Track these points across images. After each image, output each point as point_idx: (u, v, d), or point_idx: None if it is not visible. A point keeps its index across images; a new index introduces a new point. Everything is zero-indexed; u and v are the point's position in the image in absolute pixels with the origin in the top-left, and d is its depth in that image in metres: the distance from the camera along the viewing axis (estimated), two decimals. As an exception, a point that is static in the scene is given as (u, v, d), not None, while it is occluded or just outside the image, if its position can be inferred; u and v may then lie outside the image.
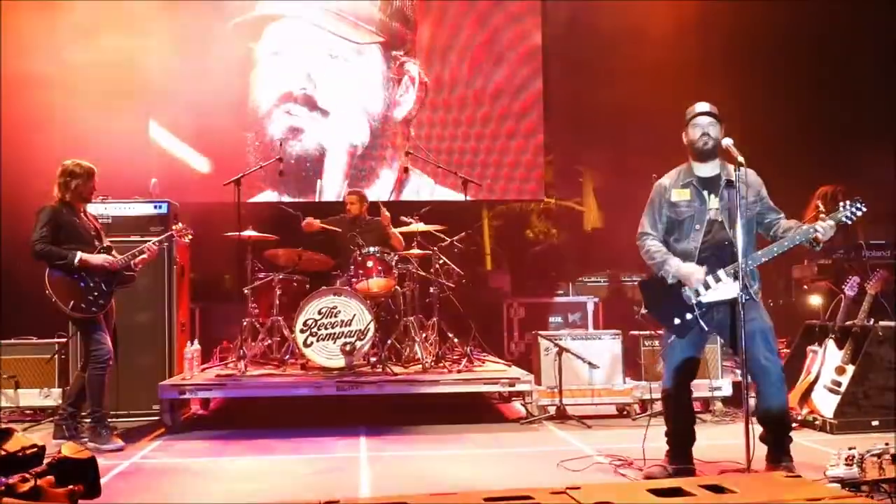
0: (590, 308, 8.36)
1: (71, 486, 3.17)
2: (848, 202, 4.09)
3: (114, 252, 5.50)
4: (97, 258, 5.35)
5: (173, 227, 5.94)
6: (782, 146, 8.03)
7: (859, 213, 4.07)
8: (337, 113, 9.21)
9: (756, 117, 7.64)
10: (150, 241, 5.74)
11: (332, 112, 9.19)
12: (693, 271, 4.17)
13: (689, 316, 4.18)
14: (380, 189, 9.17)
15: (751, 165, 4.26)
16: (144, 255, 5.57)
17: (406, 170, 7.20)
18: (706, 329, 4.22)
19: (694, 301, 4.17)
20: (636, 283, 8.89)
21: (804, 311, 7.23)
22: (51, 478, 3.16)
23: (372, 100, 9.30)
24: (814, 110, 8.15)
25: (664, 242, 4.35)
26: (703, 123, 4.23)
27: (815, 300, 7.01)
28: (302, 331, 6.40)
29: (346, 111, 9.24)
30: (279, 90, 9.16)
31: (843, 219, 4.09)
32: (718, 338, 5.80)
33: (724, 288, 4.14)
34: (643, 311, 4.36)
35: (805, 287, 7.35)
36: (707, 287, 4.15)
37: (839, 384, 5.64)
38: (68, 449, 3.42)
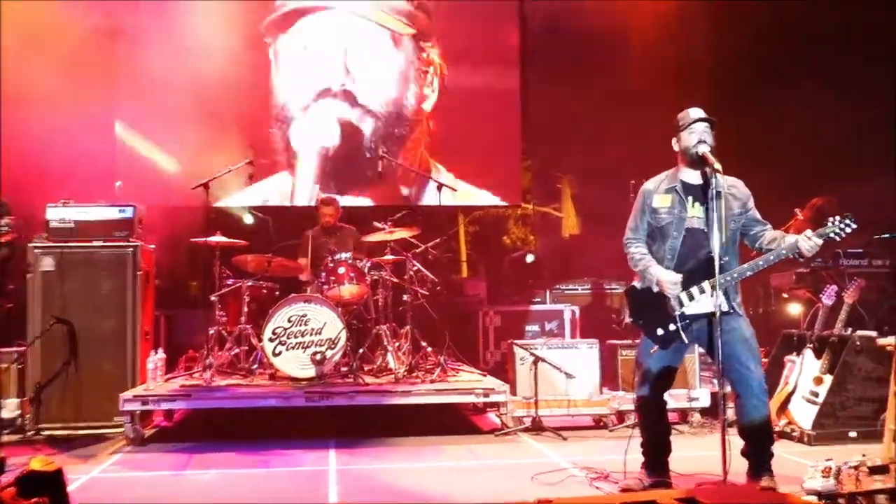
0: (567, 316, 8.37)
1: (36, 499, 3.13)
2: (838, 218, 4.05)
3: None
4: None
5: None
6: (764, 152, 8.11)
7: (848, 231, 4.02)
8: (374, 106, 9.17)
9: (741, 121, 7.72)
10: None
11: (370, 106, 9.15)
12: (668, 278, 4.18)
13: (672, 327, 4.19)
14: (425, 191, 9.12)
15: (729, 173, 4.27)
16: None
17: (380, 175, 7.15)
18: (686, 342, 4.23)
19: (678, 312, 4.17)
20: (615, 291, 8.93)
21: (782, 320, 7.29)
22: (13, 489, 3.12)
23: (408, 93, 9.29)
24: (797, 115, 8.23)
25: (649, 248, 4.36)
26: (699, 129, 4.21)
27: (794, 309, 7.07)
28: (271, 339, 6.36)
29: (382, 104, 9.18)
30: (314, 87, 9.10)
31: (832, 235, 4.06)
32: (697, 347, 5.85)
33: (708, 300, 4.14)
34: (627, 319, 4.37)
35: (783, 295, 7.42)
36: (691, 298, 4.16)
37: (817, 395, 5.68)
38: (37, 462, 3.38)
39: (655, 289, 4.21)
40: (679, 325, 4.18)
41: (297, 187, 9.17)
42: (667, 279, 4.18)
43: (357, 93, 9.14)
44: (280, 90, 9.21)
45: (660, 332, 4.21)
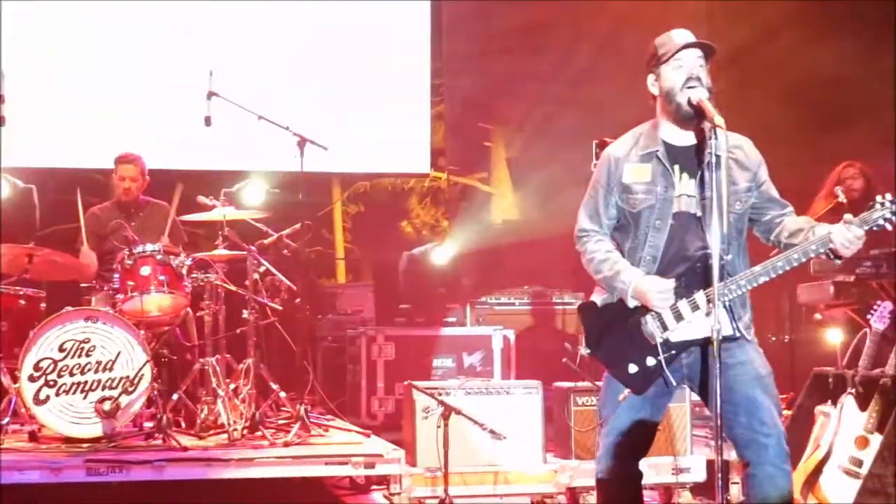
0: (496, 345, 8.43)
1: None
2: (889, 197, 4.09)
3: None
4: None
5: None
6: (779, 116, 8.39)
7: None
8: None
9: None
10: None
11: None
12: (654, 285, 4.17)
13: (651, 361, 4.21)
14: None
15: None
16: None
17: (209, 121, 7.06)
18: (672, 383, 4.26)
19: (660, 339, 4.21)
20: (569, 307, 9.06)
21: (813, 353, 7.50)
22: None
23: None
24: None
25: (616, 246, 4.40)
26: (689, 62, 4.22)
27: (831, 336, 7.27)
28: (32, 379, 6.26)
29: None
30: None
31: (882, 222, 4.11)
32: (688, 391, 5.97)
33: (704, 321, 4.15)
34: (583, 350, 4.39)
35: (816, 316, 7.62)
36: (679, 318, 4.19)
37: (860, 463, 5.86)
38: None
39: (632, 303, 4.23)
40: (662, 357, 4.22)
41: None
42: (652, 287, 4.17)
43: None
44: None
45: (632, 369, 4.26)
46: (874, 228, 4.12)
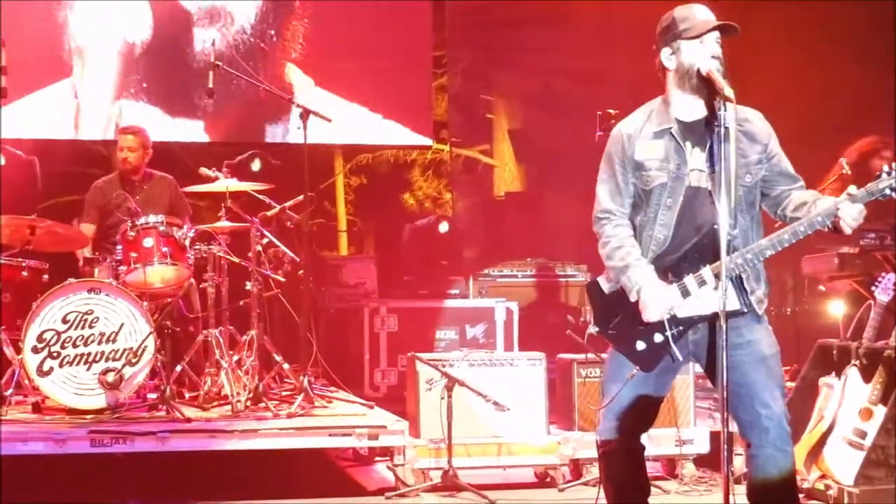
0: (499, 317, 8.44)
1: None
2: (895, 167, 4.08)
3: None
4: None
5: None
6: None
7: None
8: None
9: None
10: None
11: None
12: (656, 299, 4.15)
13: (659, 338, 4.20)
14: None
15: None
16: None
17: (211, 93, 7.04)
18: (679, 359, 4.26)
19: (667, 317, 4.21)
20: (573, 279, 9.05)
21: (818, 325, 7.49)
22: None
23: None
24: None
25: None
26: (711, 40, 4.17)
27: (834, 308, 7.27)
28: (36, 350, 6.25)
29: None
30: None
31: (889, 192, 4.08)
32: (693, 366, 5.95)
33: (711, 295, 4.14)
34: (591, 329, 4.38)
35: (820, 288, 7.61)
36: (686, 294, 4.18)
37: (864, 434, 5.87)
38: None
39: (634, 297, 4.21)
40: (670, 333, 4.21)
41: (82, 109, 9.04)
42: (656, 295, 4.15)
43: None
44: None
45: (640, 346, 4.25)
46: (880, 198, 4.11)
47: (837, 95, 8.56)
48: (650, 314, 4.16)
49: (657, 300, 4.14)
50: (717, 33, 4.20)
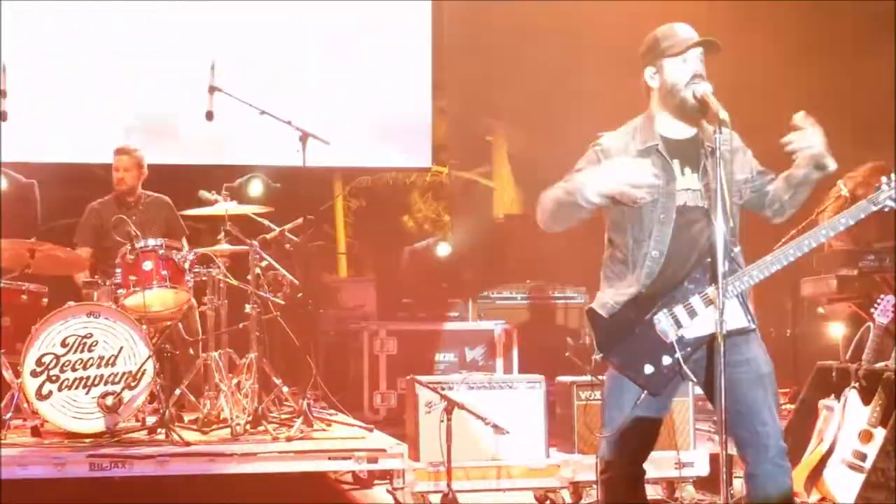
0: (499, 340, 8.44)
1: None
2: (895, 177, 4.06)
3: None
4: None
5: None
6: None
7: None
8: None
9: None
10: None
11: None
12: (627, 168, 4.09)
13: (667, 360, 4.17)
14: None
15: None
16: None
17: (210, 115, 7.05)
18: (693, 380, 4.22)
19: (675, 337, 4.17)
20: (571, 301, 9.05)
21: (817, 347, 7.49)
22: None
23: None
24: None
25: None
26: (693, 58, 4.18)
27: (834, 330, 7.27)
28: (35, 374, 6.24)
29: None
30: None
31: (891, 203, 4.08)
32: (693, 387, 5.94)
33: (716, 315, 4.11)
34: (596, 354, 4.34)
35: (819, 310, 7.62)
36: (693, 315, 4.16)
37: (864, 457, 5.86)
38: None
39: (596, 199, 4.08)
40: (679, 355, 4.17)
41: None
42: (622, 162, 4.12)
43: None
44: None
45: (648, 369, 4.21)
46: (884, 209, 4.11)
47: (837, 96, 8.54)
48: (635, 175, 4.08)
49: (609, 171, 4.11)
50: (699, 50, 4.22)
